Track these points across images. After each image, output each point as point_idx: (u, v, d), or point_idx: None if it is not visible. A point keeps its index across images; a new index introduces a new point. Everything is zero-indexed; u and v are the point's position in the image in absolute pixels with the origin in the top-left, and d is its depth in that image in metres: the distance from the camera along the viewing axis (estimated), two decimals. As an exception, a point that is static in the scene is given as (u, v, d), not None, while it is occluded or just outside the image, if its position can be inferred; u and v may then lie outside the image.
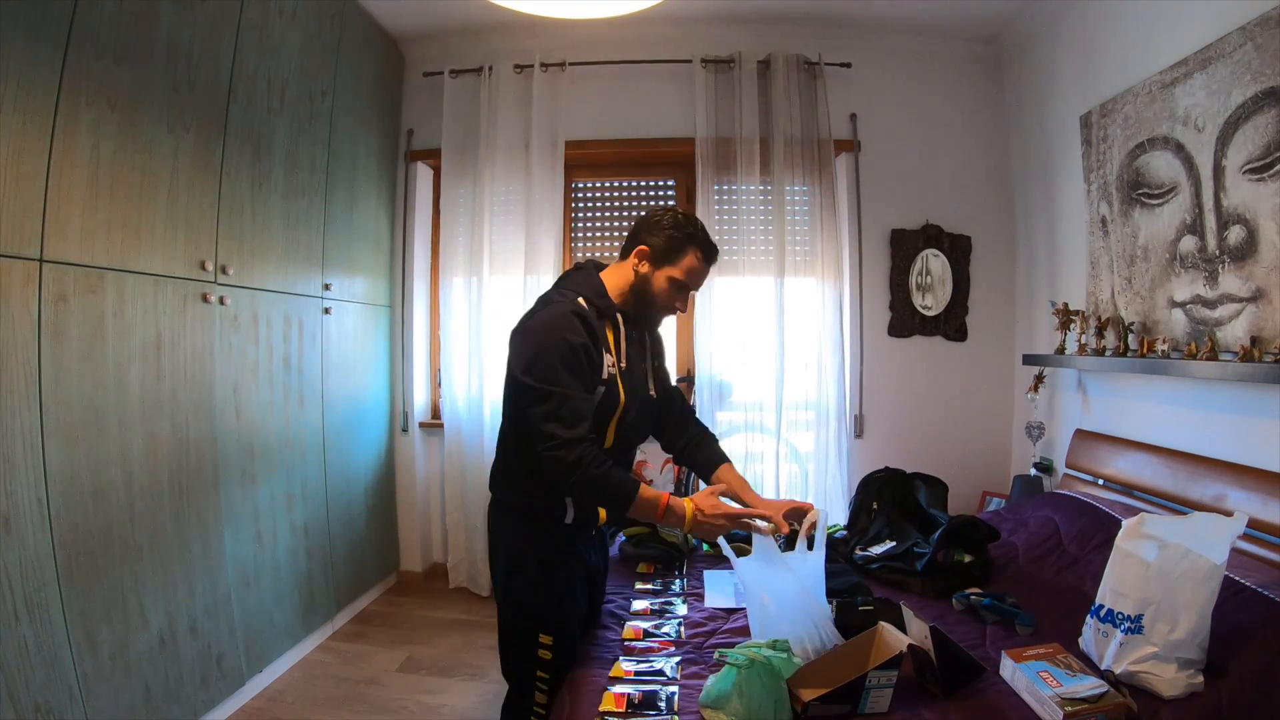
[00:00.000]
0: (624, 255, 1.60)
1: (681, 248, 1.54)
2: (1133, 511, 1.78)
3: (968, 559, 1.99)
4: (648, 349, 1.65)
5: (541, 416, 1.38)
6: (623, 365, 1.53)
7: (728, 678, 1.30)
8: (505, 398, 1.53)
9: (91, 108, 1.70)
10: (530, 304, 1.61)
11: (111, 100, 1.76)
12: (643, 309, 1.59)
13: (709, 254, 1.58)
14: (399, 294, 3.48)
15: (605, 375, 1.47)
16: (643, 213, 1.97)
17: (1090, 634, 1.51)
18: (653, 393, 1.65)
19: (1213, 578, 1.35)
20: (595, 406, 1.45)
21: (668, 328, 3.59)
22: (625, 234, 1.63)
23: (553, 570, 1.52)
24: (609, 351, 1.50)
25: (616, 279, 1.58)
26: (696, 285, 1.59)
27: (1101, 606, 1.48)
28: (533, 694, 1.53)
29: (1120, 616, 1.42)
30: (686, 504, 1.46)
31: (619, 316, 1.55)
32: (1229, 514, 1.49)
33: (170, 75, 1.95)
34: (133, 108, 1.83)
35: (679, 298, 1.57)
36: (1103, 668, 1.42)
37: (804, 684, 1.32)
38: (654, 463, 3.45)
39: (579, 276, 1.57)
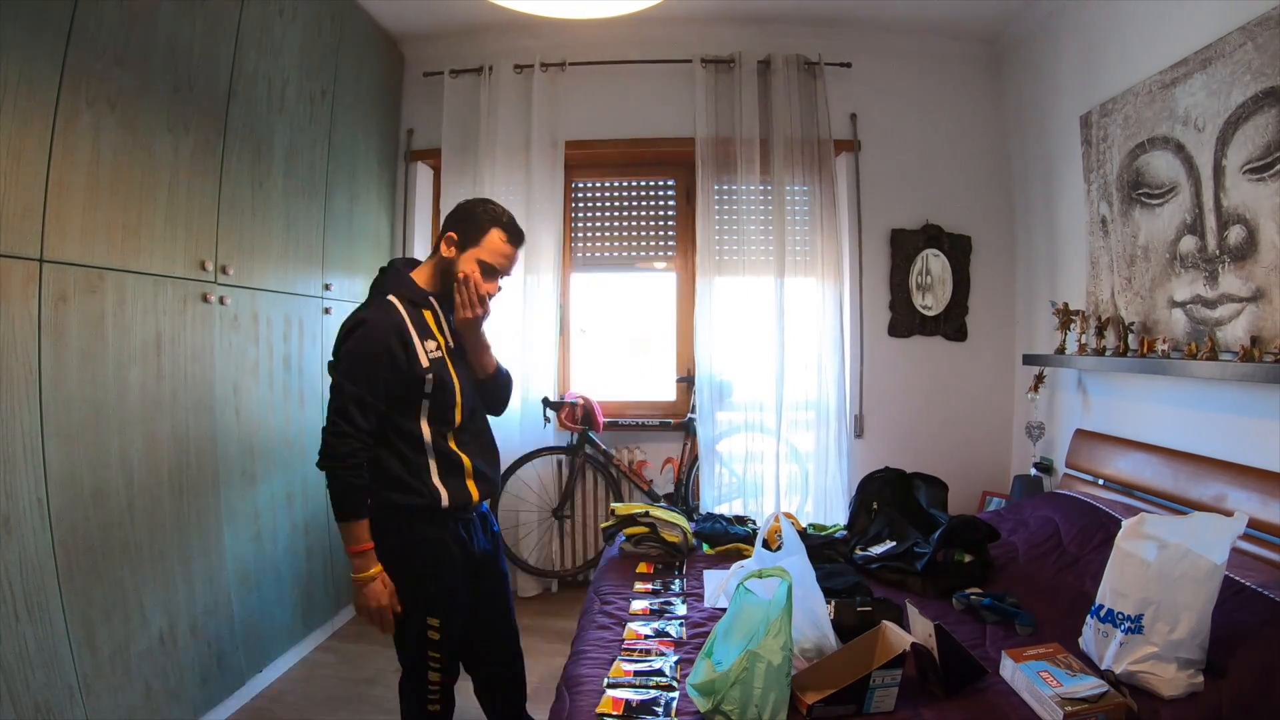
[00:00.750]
0: (435, 248, 1.68)
1: (485, 229, 1.62)
2: (1133, 511, 1.78)
3: (968, 559, 1.99)
4: None
5: (335, 410, 1.50)
6: (450, 346, 1.63)
7: (728, 666, 1.29)
8: None
9: (91, 108, 1.70)
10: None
11: (111, 100, 1.76)
12: (451, 293, 1.65)
13: (513, 235, 1.65)
14: (399, 294, 3.47)
15: (428, 362, 1.55)
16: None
17: (1090, 634, 1.51)
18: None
19: (1213, 578, 1.35)
20: (433, 392, 1.56)
21: (667, 328, 3.61)
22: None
23: (432, 560, 1.59)
24: (431, 337, 1.59)
25: (427, 270, 1.67)
26: (504, 266, 1.65)
27: (1101, 606, 1.48)
28: (426, 673, 1.62)
29: (1120, 616, 1.43)
30: (374, 570, 1.53)
31: (434, 302, 1.63)
32: (1229, 514, 1.49)
33: (170, 75, 1.95)
34: (133, 108, 1.83)
35: (489, 278, 1.63)
36: (1103, 668, 1.42)
37: (808, 685, 1.32)
38: (654, 463, 3.46)
39: (388, 278, 1.65)
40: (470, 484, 1.63)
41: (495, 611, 1.76)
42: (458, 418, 1.61)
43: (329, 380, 1.55)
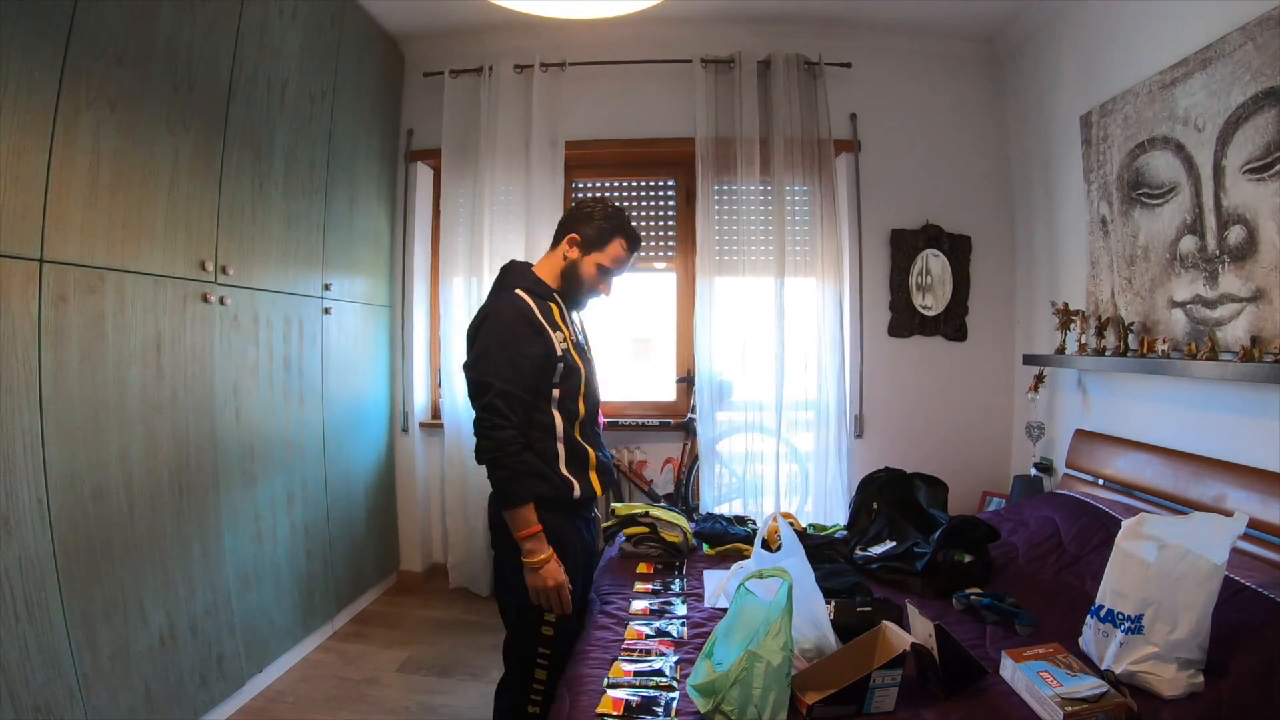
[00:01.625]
0: (554, 245, 1.73)
1: (609, 236, 1.69)
2: (1133, 512, 1.78)
3: (967, 559, 1.99)
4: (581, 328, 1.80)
5: (484, 408, 1.52)
6: (576, 340, 1.69)
7: (728, 666, 1.29)
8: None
9: (91, 108, 1.70)
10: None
11: (111, 100, 1.75)
12: (571, 292, 1.72)
13: (633, 243, 1.73)
14: (399, 294, 3.48)
15: (560, 350, 1.60)
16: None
17: (1090, 634, 1.51)
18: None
19: (1213, 578, 1.35)
20: (563, 379, 1.60)
21: (666, 328, 3.61)
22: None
23: (557, 552, 1.59)
24: (558, 328, 1.63)
25: (548, 267, 1.72)
26: (620, 272, 1.75)
27: (1101, 607, 1.48)
28: (534, 670, 1.61)
29: (1120, 616, 1.43)
30: (548, 552, 1.56)
31: (558, 297, 1.69)
32: (1229, 514, 1.49)
33: (170, 75, 1.95)
34: (133, 108, 1.82)
35: (604, 282, 1.72)
36: (1103, 668, 1.42)
37: (808, 685, 1.32)
38: (654, 463, 3.46)
39: (510, 274, 1.70)
40: (594, 476, 1.67)
41: (578, 611, 1.73)
42: (582, 409, 1.65)
43: (465, 380, 1.57)
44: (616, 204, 1.77)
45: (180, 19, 1.97)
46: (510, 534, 1.57)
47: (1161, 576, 1.38)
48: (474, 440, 1.56)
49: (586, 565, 1.73)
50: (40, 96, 1.57)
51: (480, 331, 1.57)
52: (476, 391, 1.54)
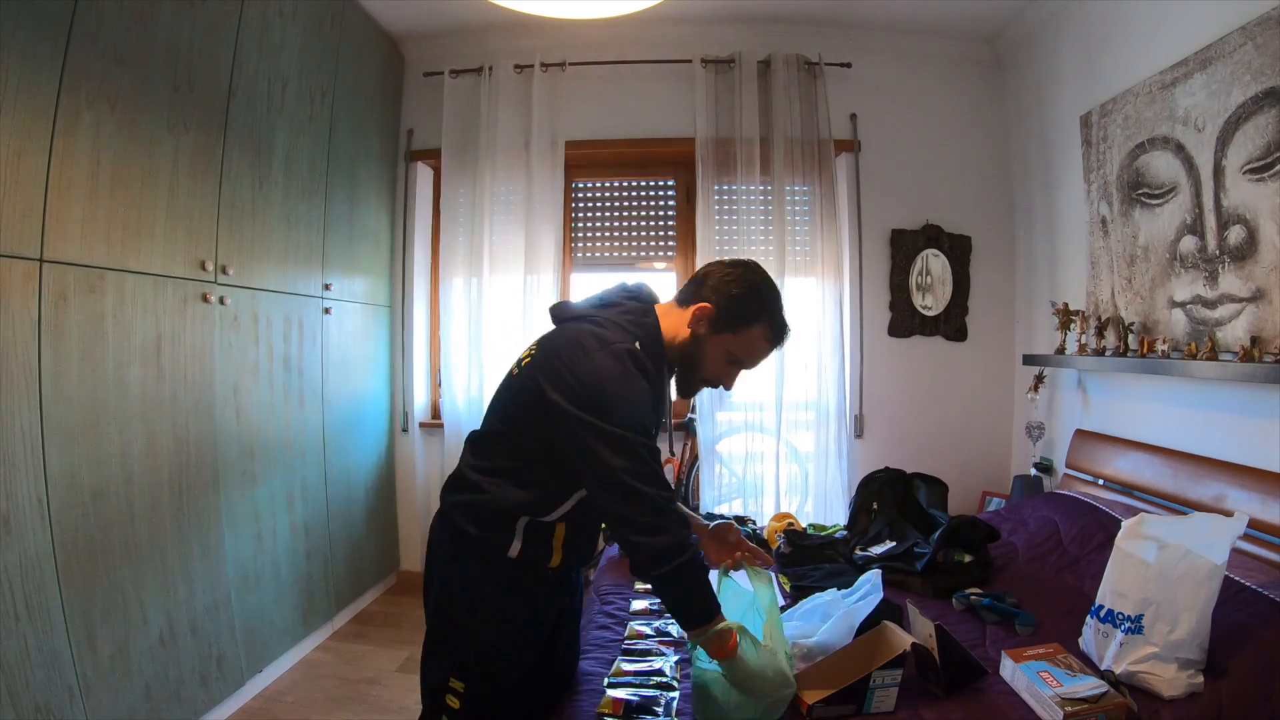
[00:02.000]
0: (683, 302, 1.35)
1: (751, 319, 1.32)
2: (1133, 512, 1.78)
3: (968, 559, 1.99)
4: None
5: (635, 475, 1.14)
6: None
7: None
8: (529, 415, 1.26)
9: (91, 108, 1.70)
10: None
11: (111, 100, 1.75)
12: (685, 373, 1.37)
13: (779, 334, 1.35)
14: (399, 294, 3.48)
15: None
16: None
17: (1090, 634, 1.51)
18: None
19: (1213, 578, 1.35)
20: None
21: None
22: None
23: (499, 607, 1.29)
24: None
25: (670, 330, 1.33)
26: (753, 365, 1.38)
27: (1101, 607, 1.48)
28: None
29: (1120, 617, 1.43)
30: (735, 642, 1.19)
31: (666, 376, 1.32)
32: (1229, 514, 1.49)
33: (170, 75, 1.95)
34: (133, 108, 1.82)
35: (729, 374, 1.36)
36: (1103, 668, 1.42)
37: (808, 686, 1.32)
38: (654, 463, 3.45)
39: (636, 312, 1.32)
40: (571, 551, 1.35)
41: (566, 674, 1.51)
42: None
43: (578, 440, 1.17)
44: (769, 279, 1.35)
45: (180, 19, 1.97)
46: (466, 587, 1.28)
47: (1161, 576, 1.38)
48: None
49: (557, 630, 1.43)
50: (40, 96, 1.57)
51: (607, 376, 1.18)
52: (611, 451, 1.14)
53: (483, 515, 1.28)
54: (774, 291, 1.35)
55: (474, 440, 1.38)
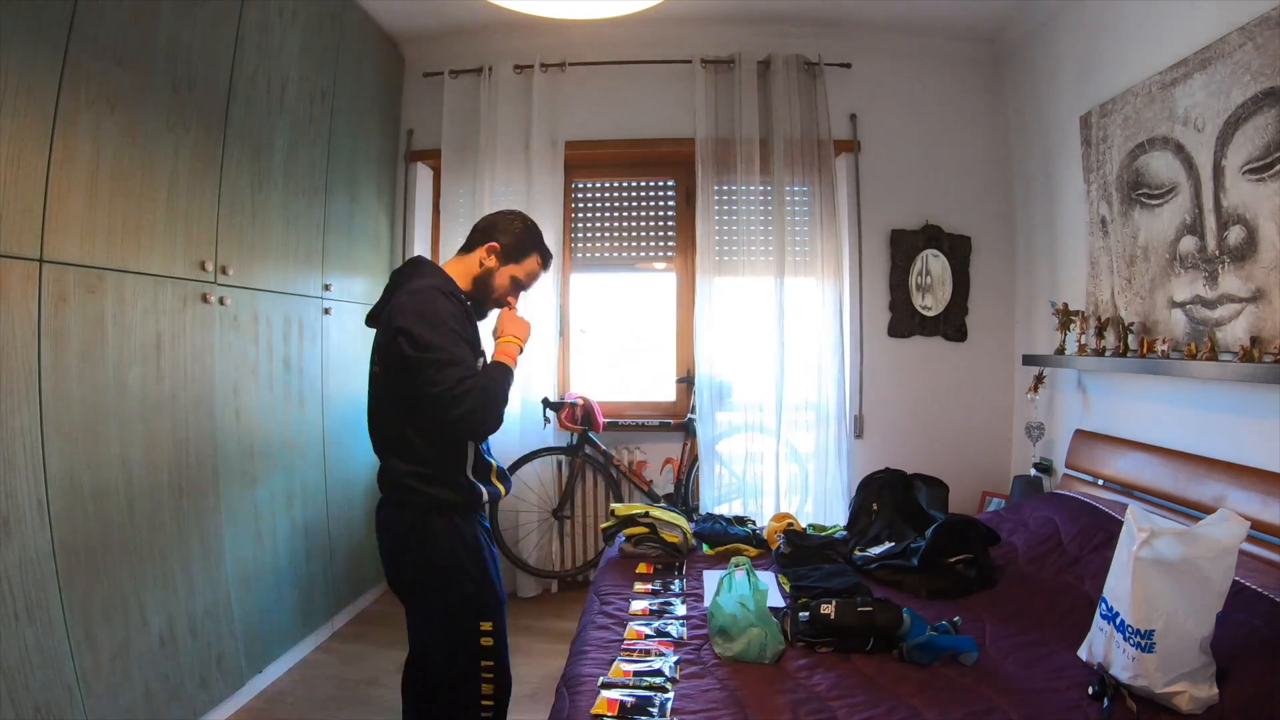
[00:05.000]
0: (468, 249, 1.69)
1: (529, 251, 1.69)
2: (1133, 512, 1.77)
3: (959, 559, 1.98)
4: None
5: (444, 379, 1.43)
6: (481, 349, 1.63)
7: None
8: (390, 391, 1.54)
9: (91, 108, 1.70)
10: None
11: (111, 100, 1.75)
12: (480, 300, 1.69)
13: (547, 260, 1.74)
14: (399, 294, 3.47)
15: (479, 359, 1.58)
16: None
17: (1100, 639, 1.47)
18: None
19: (1221, 585, 1.33)
20: None
21: (666, 328, 3.61)
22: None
23: (484, 556, 1.57)
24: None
25: (460, 271, 1.67)
26: (529, 286, 1.75)
27: (1116, 614, 1.44)
28: (479, 686, 1.53)
29: (1130, 630, 1.38)
30: (511, 342, 1.62)
31: (467, 304, 1.64)
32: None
33: (170, 75, 1.95)
34: (133, 108, 1.82)
35: (513, 294, 1.71)
36: (1110, 673, 1.40)
37: None
38: (654, 463, 3.46)
39: (426, 267, 1.64)
40: (496, 480, 1.64)
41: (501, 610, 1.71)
42: None
43: (420, 368, 1.44)
44: (533, 221, 1.75)
45: (180, 19, 1.97)
46: (444, 558, 1.51)
47: (1170, 586, 1.35)
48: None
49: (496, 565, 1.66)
50: (40, 97, 1.57)
51: (419, 304, 1.47)
52: (431, 369, 1.43)
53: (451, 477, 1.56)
54: (536, 225, 1.75)
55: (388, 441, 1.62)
